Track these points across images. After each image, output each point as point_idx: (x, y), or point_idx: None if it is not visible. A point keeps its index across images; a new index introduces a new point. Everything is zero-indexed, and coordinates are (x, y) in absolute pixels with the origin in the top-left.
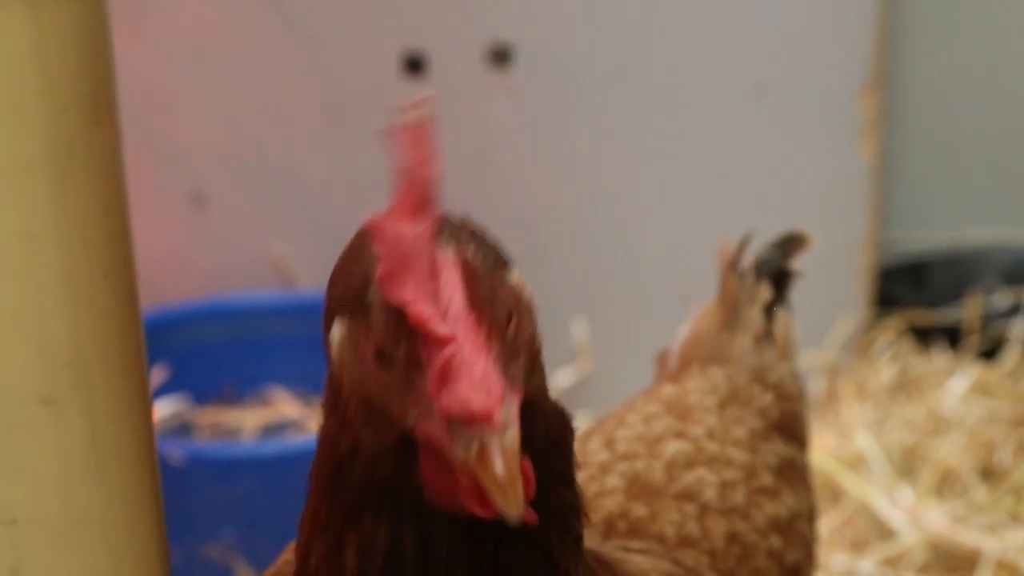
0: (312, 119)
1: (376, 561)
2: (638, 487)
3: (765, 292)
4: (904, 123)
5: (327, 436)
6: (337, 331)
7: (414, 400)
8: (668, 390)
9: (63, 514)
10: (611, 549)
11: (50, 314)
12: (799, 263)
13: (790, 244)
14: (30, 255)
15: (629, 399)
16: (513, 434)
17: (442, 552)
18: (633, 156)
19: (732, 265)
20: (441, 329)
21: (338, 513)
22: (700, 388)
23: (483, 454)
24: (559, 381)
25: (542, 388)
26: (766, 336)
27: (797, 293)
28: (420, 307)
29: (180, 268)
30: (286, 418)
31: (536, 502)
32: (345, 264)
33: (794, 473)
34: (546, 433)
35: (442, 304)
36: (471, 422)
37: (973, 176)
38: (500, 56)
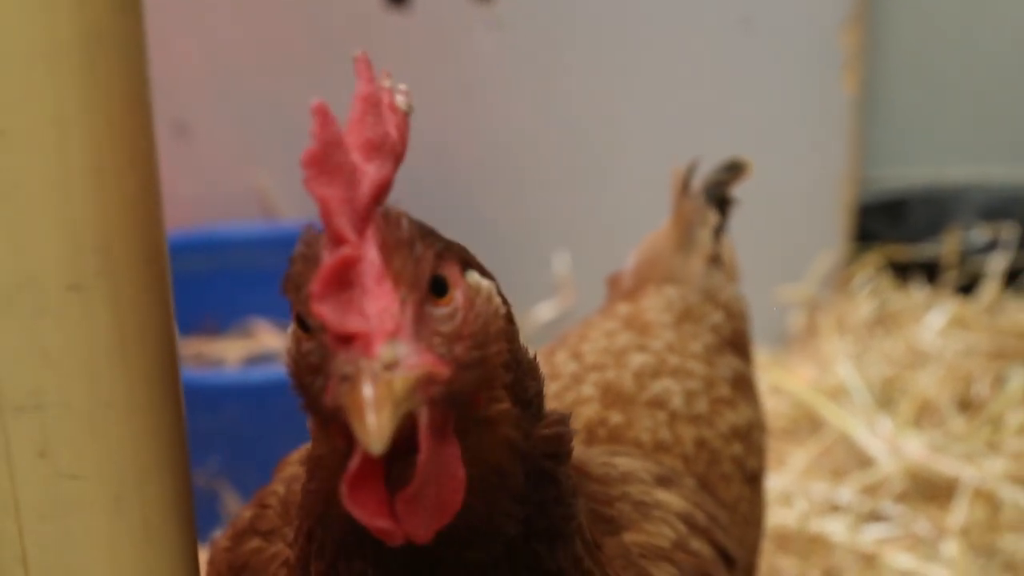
0: (296, 49)
1: None
2: (612, 395)
3: (713, 216)
4: (885, 60)
5: (307, 472)
6: (292, 325)
7: (326, 364)
8: (624, 308)
9: (89, 399)
10: (598, 454)
11: (78, 200)
12: (785, 194)
13: (734, 170)
14: (59, 140)
15: (585, 319)
16: (401, 374)
17: None
18: (617, 89)
19: (684, 188)
20: (347, 228)
21: (332, 543)
22: (656, 306)
23: (354, 382)
24: (541, 315)
25: (511, 414)
26: (715, 258)
27: (778, 228)
28: (334, 200)
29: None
30: (268, 349)
31: (525, 530)
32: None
33: (746, 386)
34: (526, 471)
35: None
36: (348, 343)
37: (953, 114)
38: None
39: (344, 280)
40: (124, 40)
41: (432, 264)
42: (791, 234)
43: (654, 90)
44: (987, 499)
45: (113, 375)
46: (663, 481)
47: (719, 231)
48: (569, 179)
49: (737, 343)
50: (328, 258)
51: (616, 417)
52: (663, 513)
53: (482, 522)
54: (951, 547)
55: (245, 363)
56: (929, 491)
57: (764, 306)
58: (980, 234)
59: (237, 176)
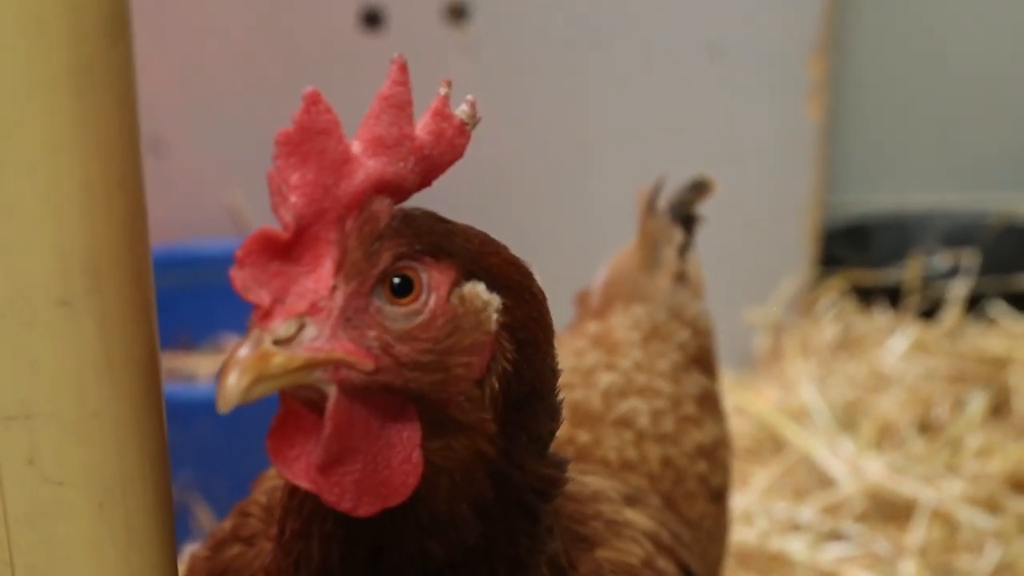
0: (271, 69)
1: (334, 558)
2: (580, 415)
3: (678, 234)
4: (851, 87)
5: None
6: None
7: None
8: (593, 327)
9: (76, 409)
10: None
11: (68, 221)
12: (751, 218)
13: (699, 189)
14: (51, 165)
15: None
16: (287, 352)
17: (392, 567)
18: (586, 112)
19: (649, 206)
20: (287, 213)
21: (310, 500)
22: (624, 324)
23: (239, 342)
24: None
25: (489, 431)
26: (681, 276)
27: (744, 252)
28: (295, 182)
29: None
30: None
31: (486, 547)
32: None
33: (712, 403)
34: (501, 494)
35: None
36: (255, 313)
37: (917, 141)
38: (457, 12)
39: (275, 254)
40: (114, 71)
41: (388, 263)
42: (757, 258)
43: (623, 114)
44: (945, 520)
45: (99, 387)
46: (630, 500)
47: (684, 249)
48: (538, 198)
49: (703, 360)
50: (258, 231)
51: (584, 436)
52: (632, 532)
53: (441, 519)
54: (909, 566)
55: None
56: (888, 511)
57: (730, 329)
58: (942, 260)
59: (211, 193)
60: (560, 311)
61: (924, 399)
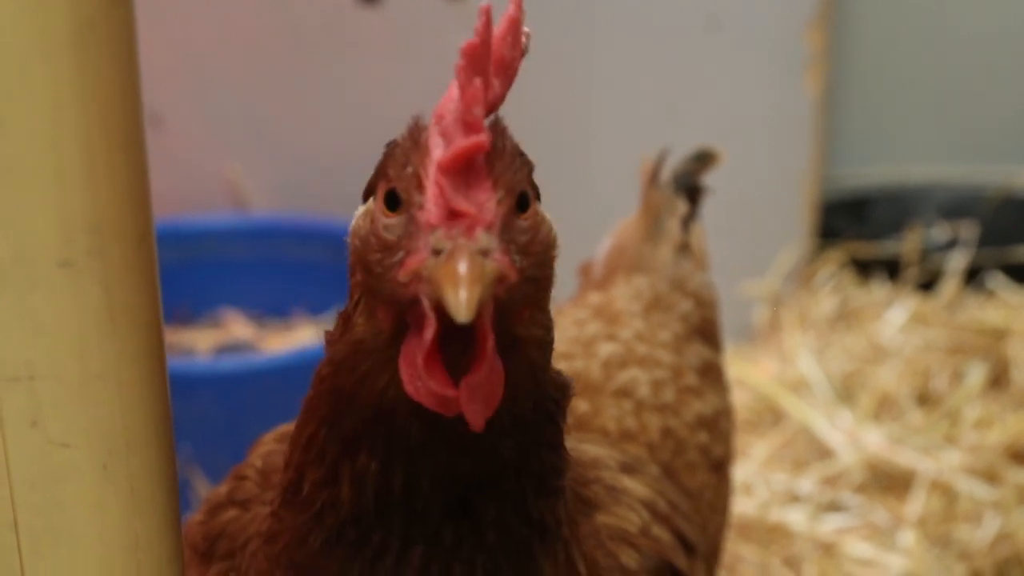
0: (269, 44)
1: (368, 496)
2: (579, 385)
3: (682, 206)
4: (850, 60)
5: (332, 361)
6: (362, 207)
7: (408, 241)
8: (595, 297)
9: (79, 371)
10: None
11: (70, 181)
12: (749, 191)
13: (704, 160)
14: (53, 126)
15: (556, 307)
16: (490, 264)
17: (423, 493)
18: (586, 88)
19: (653, 178)
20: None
21: (335, 444)
22: (626, 295)
23: (451, 256)
24: None
25: (541, 340)
26: (684, 247)
27: (743, 224)
28: (477, 92)
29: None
30: (238, 339)
31: (518, 461)
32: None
33: (714, 374)
34: (535, 402)
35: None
36: (451, 222)
37: (916, 114)
38: None
39: (470, 165)
40: (116, 30)
41: (524, 178)
42: (755, 230)
43: (622, 87)
44: (943, 490)
45: (102, 348)
46: (627, 468)
47: (688, 220)
48: (539, 171)
49: (706, 331)
50: (461, 141)
51: (583, 406)
52: (629, 499)
53: (487, 429)
54: (908, 537)
55: (216, 352)
56: (887, 482)
57: (729, 301)
58: (941, 232)
59: (209, 167)
60: (563, 282)
61: (923, 371)
